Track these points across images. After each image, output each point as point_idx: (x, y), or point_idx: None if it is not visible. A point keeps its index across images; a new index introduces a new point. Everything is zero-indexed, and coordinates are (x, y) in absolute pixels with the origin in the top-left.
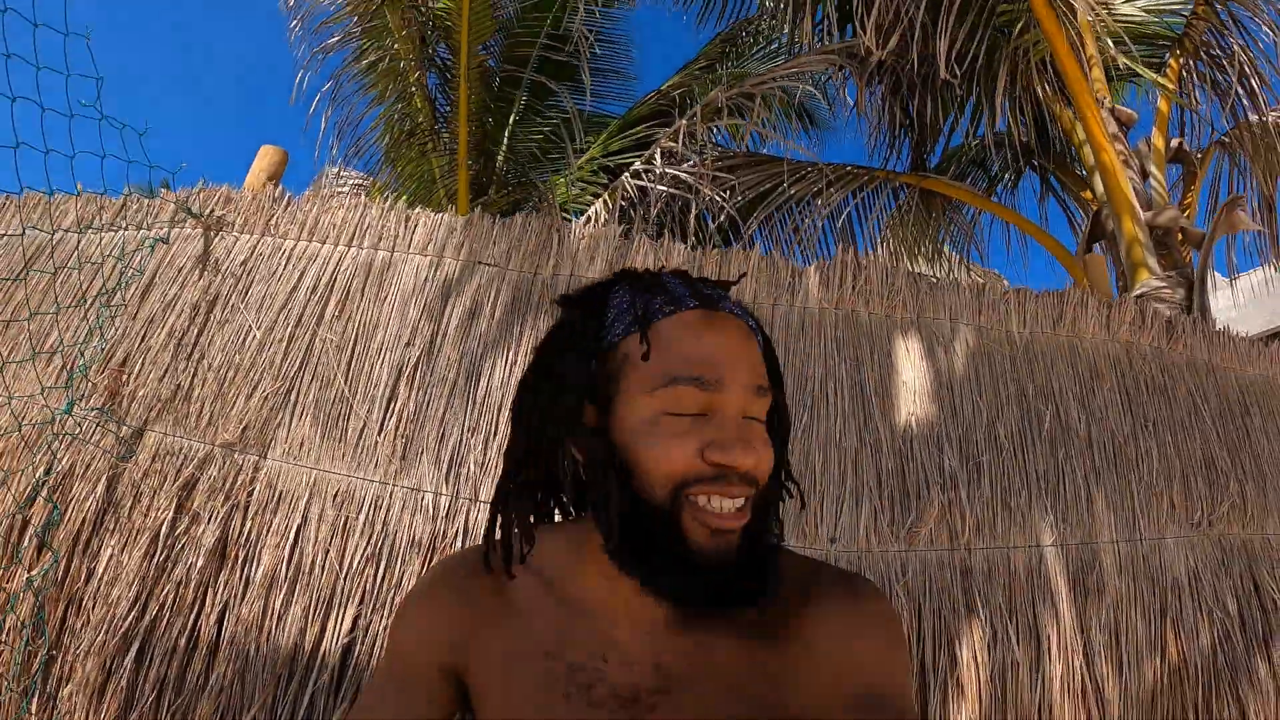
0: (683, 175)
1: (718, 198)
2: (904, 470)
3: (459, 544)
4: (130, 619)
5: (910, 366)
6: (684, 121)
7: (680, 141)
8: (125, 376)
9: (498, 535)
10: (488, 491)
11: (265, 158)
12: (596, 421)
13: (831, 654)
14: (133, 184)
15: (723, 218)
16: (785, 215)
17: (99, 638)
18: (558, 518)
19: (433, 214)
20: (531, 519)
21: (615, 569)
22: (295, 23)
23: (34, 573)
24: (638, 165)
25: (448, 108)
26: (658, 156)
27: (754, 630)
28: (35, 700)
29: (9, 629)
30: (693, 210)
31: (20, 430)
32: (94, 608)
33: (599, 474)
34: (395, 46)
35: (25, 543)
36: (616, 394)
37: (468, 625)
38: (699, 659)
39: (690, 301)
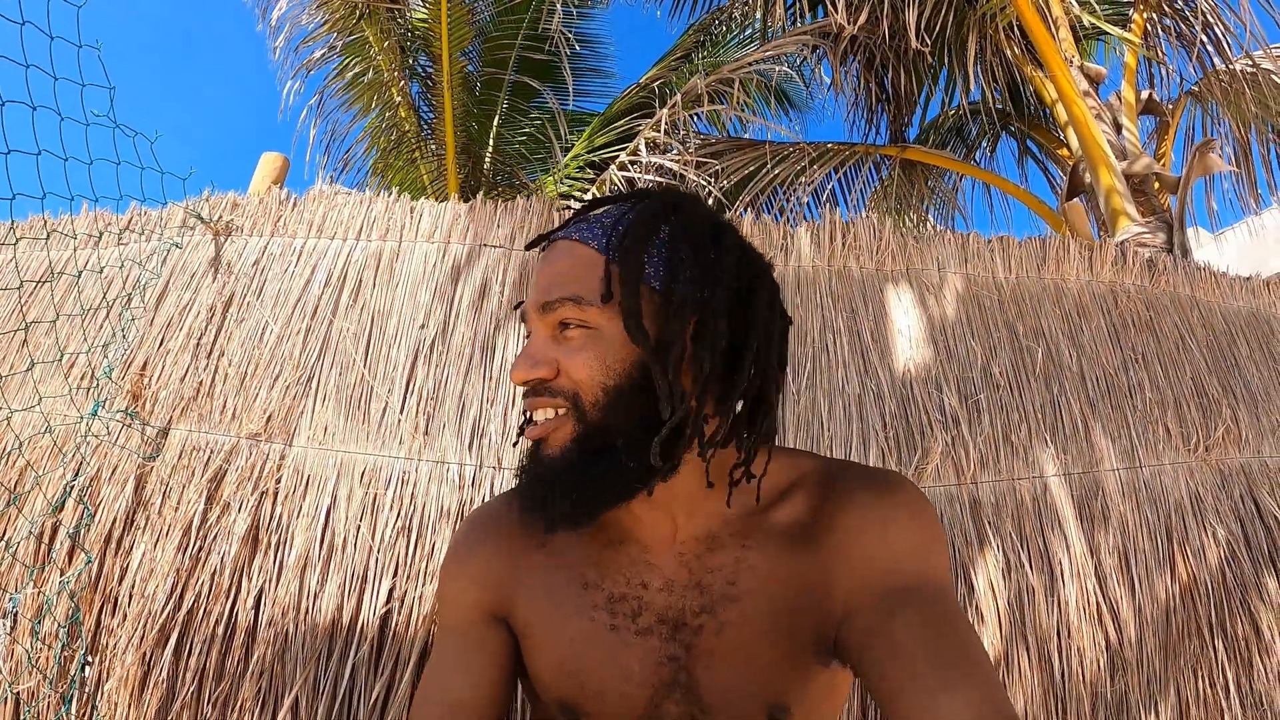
0: (668, 164)
1: (703, 183)
2: (906, 412)
3: None
4: (167, 612)
5: (904, 314)
6: (665, 111)
7: (663, 131)
8: (146, 379)
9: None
10: (510, 458)
11: (268, 164)
12: None
13: (867, 548)
14: (143, 195)
15: (710, 202)
16: (771, 196)
17: (136, 633)
18: None
19: (437, 203)
20: None
21: (645, 495)
22: (278, 41)
23: (67, 575)
24: (623, 158)
25: (432, 115)
26: (642, 147)
27: (789, 537)
28: (75, 703)
29: (45, 633)
30: None
31: (49, 434)
32: (129, 604)
33: None
34: (377, 58)
35: (58, 546)
36: None
37: (505, 570)
38: (738, 573)
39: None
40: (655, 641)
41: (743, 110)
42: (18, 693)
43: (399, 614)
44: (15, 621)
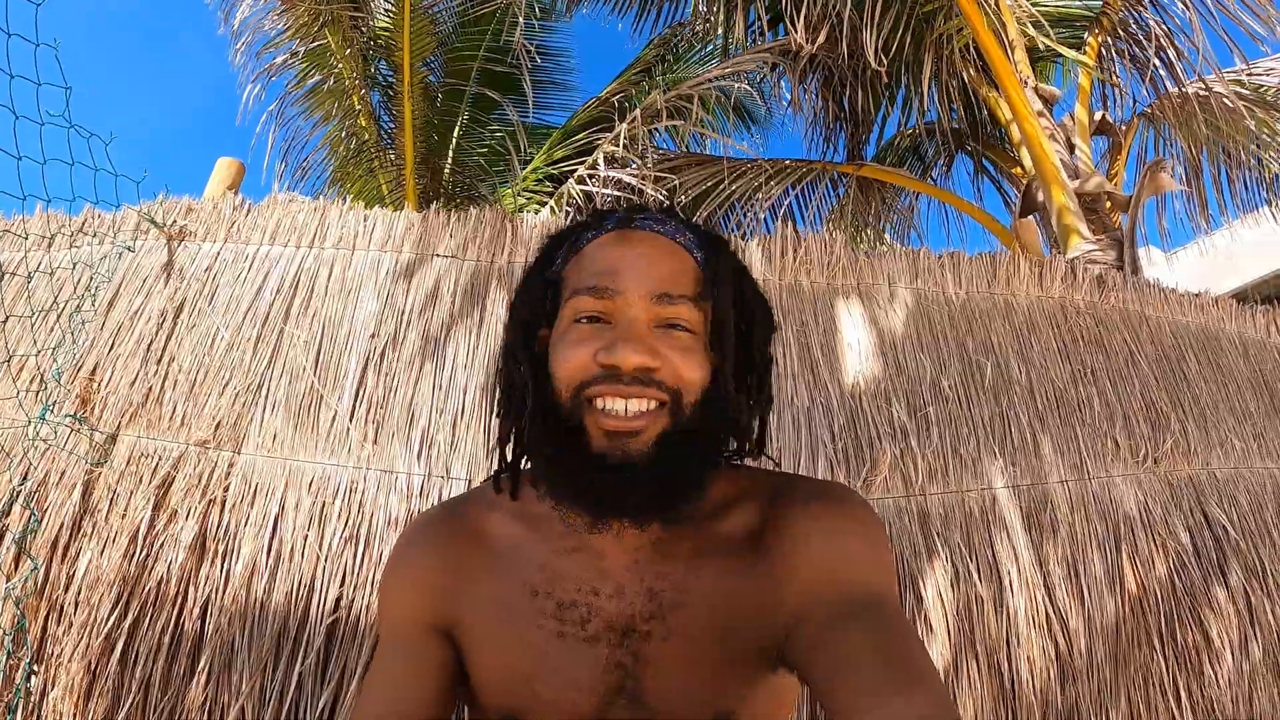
0: (625, 178)
1: (661, 198)
2: (855, 425)
3: None
4: (113, 620)
5: (854, 329)
6: (625, 126)
7: (622, 146)
8: (95, 384)
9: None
10: (458, 468)
11: (223, 169)
12: (545, 346)
13: (815, 558)
14: (96, 197)
15: None
16: (729, 212)
17: (82, 641)
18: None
19: (390, 212)
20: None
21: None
22: (239, 45)
23: (13, 581)
24: (582, 171)
25: (392, 125)
26: (600, 162)
27: (739, 545)
28: (19, 712)
29: None
30: None
31: None
32: (75, 612)
33: (514, 388)
34: (338, 66)
35: (3, 551)
36: (557, 318)
37: (449, 579)
38: (688, 581)
39: (609, 223)
40: (603, 649)
41: (702, 126)
42: None
43: (346, 623)
44: None
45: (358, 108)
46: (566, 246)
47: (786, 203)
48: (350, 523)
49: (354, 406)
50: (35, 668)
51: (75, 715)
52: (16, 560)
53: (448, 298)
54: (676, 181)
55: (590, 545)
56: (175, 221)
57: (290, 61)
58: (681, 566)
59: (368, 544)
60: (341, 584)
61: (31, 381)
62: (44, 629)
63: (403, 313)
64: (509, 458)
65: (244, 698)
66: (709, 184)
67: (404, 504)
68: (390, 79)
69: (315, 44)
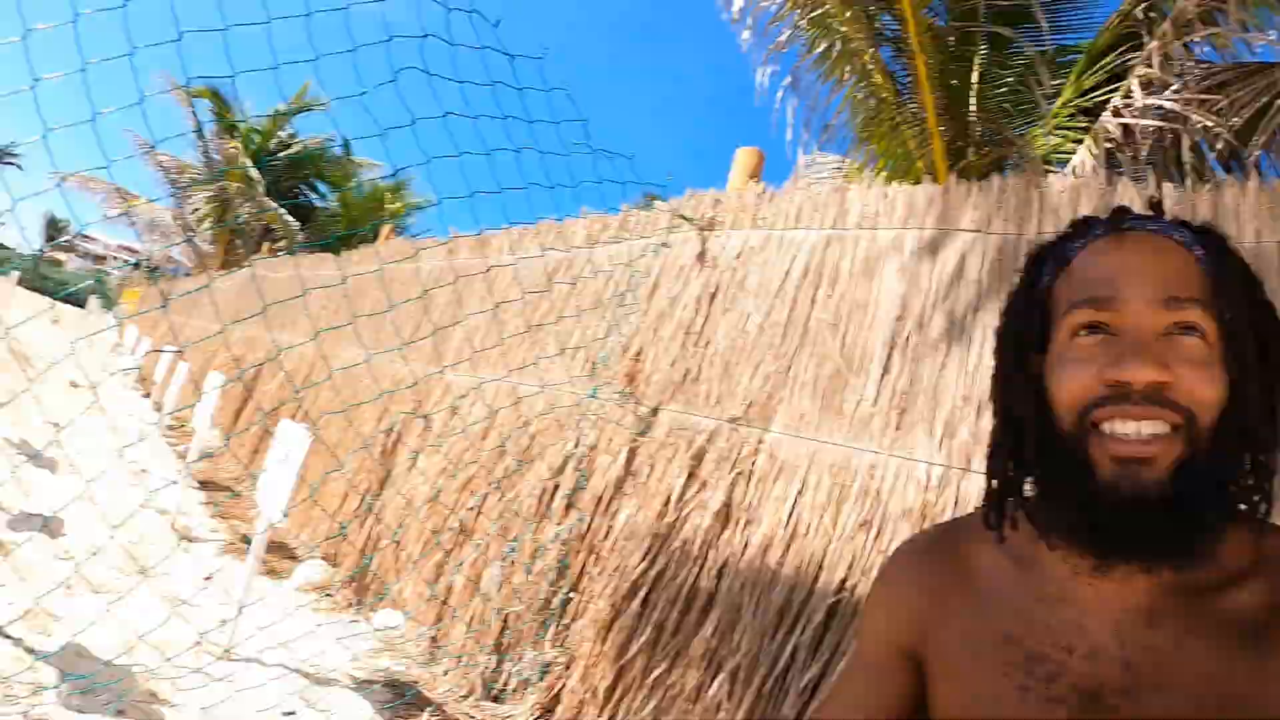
0: (1166, 104)
1: (1209, 124)
2: None
3: (950, 514)
4: (640, 569)
5: None
6: (1155, 43)
7: (1156, 66)
8: (640, 364)
9: (983, 499)
10: (979, 461)
11: (743, 159)
12: (1040, 369)
13: None
14: (631, 201)
15: (1219, 144)
16: None
17: (611, 584)
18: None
19: (910, 187)
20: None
21: (1078, 549)
22: (745, 32)
23: (560, 526)
24: (1115, 101)
25: (908, 78)
26: (1135, 88)
27: (1241, 631)
28: (552, 629)
29: (537, 572)
30: (1185, 142)
31: (554, 412)
32: (610, 558)
33: (1011, 418)
34: (842, 29)
35: (555, 503)
36: (1050, 338)
37: (927, 607)
38: (1173, 658)
39: (1098, 229)
40: (1063, 712)
41: (1244, 29)
42: (505, 615)
43: (847, 605)
44: (512, 565)
45: (870, 66)
46: (1051, 261)
47: None
48: (866, 507)
49: (878, 390)
50: (571, 594)
51: (596, 643)
52: (566, 510)
53: (973, 275)
54: (1225, 101)
55: (1075, 597)
56: (704, 214)
57: (795, 34)
58: (1171, 641)
59: (880, 531)
60: (849, 567)
61: (585, 364)
62: (582, 569)
63: (927, 293)
64: (1002, 491)
65: (741, 656)
66: (1265, 98)
67: (920, 495)
68: (897, 32)
69: (817, 11)
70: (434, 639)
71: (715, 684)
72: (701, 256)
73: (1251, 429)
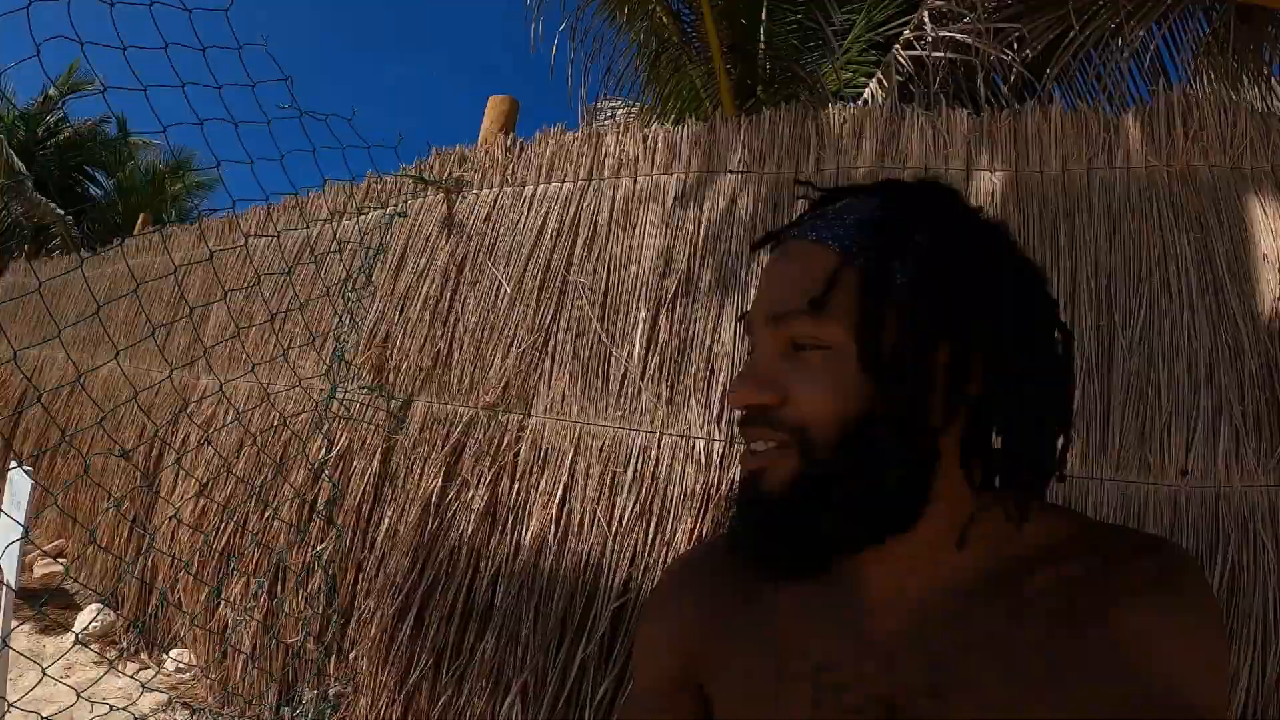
0: (958, 36)
1: (1004, 55)
2: (1273, 377)
3: None
4: (409, 584)
5: (1270, 234)
6: None
7: None
8: (388, 351)
9: None
10: None
11: (495, 108)
12: None
13: (1137, 652)
14: (374, 166)
15: (1013, 76)
16: (1084, 63)
17: (381, 604)
18: None
19: (671, 127)
20: None
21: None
22: None
23: (323, 545)
24: (906, 34)
25: (693, 16)
26: (926, 19)
27: (1047, 615)
28: (333, 659)
29: (308, 596)
30: (979, 74)
31: (305, 414)
32: (377, 576)
33: None
34: None
35: (315, 517)
36: None
37: (706, 626)
38: (978, 651)
39: (774, 241)
40: None
41: None
42: (288, 646)
43: (633, 607)
44: (282, 590)
45: (654, 5)
46: None
47: (1153, 47)
48: (643, 495)
49: (645, 360)
50: (345, 619)
51: (379, 671)
52: (326, 524)
53: (745, 220)
54: (1022, 32)
55: (859, 594)
56: (450, 173)
57: None
58: (970, 633)
59: (659, 521)
60: (630, 564)
61: (330, 357)
62: (353, 589)
63: (693, 243)
64: None
65: (528, 673)
66: (1057, 30)
67: (701, 476)
68: None
69: None
70: (222, 681)
71: (506, 704)
72: (448, 222)
73: (889, 440)
